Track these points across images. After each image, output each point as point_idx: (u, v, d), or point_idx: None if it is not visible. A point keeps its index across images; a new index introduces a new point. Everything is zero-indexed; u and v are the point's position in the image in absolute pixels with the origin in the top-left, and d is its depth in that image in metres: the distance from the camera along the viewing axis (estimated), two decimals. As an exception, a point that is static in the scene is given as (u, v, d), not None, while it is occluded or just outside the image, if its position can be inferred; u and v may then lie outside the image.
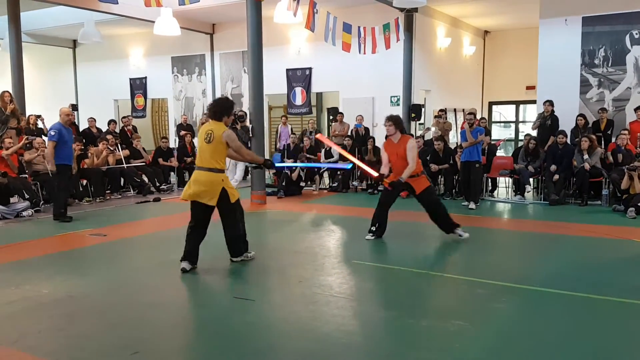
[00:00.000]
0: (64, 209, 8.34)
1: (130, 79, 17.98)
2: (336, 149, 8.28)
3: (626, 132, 9.89)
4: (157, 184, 11.62)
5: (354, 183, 11.92)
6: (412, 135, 6.55)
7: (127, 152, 11.59)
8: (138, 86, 17.92)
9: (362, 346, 3.70)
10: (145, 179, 11.55)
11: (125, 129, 12.78)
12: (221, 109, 5.41)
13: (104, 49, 17.22)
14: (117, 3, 9.51)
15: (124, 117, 13.48)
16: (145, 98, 17.93)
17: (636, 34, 11.02)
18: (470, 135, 9.23)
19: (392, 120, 6.76)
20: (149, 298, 4.71)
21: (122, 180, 11.41)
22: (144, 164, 11.80)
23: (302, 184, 11.55)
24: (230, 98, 6.70)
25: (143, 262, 6.05)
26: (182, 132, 13.59)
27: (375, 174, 6.95)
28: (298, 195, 11.08)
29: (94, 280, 5.24)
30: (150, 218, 8.93)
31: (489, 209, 9.57)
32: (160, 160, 12.16)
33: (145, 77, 17.76)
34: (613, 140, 10.38)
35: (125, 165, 11.17)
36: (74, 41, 18.56)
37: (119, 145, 11.52)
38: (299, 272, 5.50)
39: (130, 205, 10.14)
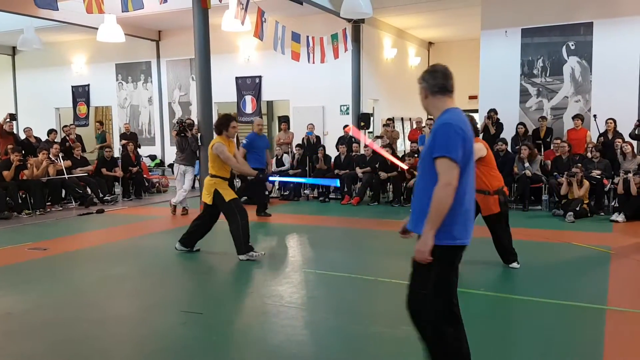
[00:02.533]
0: (265, 206, 9.57)
1: (73, 87, 17.44)
2: (380, 151, 8.50)
3: (558, 141, 10.32)
4: (101, 195, 11.27)
5: (305, 192, 11.93)
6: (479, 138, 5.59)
7: (68, 162, 11.19)
8: (80, 94, 17.40)
9: (311, 356, 3.70)
10: (88, 190, 11.18)
11: (67, 138, 12.35)
12: (218, 125, 6.35)
13: (45, 56, 16.64)
14: (57, 9, 9.21)
15: (65, 126, 13.03)
16: (88, 106, 17.42)
17: (572, 45, 11.57)
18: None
19: None
20: (92, 314, 4.55)
21: (63, 191, 11.00)
22: (86, 174, 11.42)
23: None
24: (230, 114, 7.26)
25: (86, 277, 5.84)
26: (123, 141, 13.23)
27: (405, 166, 6.70)
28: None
29: (34, 297, 5.03)
30: (93, 230, 8.65)
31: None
32: (104, 170, 11.80)
33: (88, 85, 17.28)
34: (552, 147, 10.83)
35: (66, 176, 10.78)
36: (14, 48, 17.86)
37: (60, 155, 11.10)
38: (249, 282, 5.45)
39: (71, 217, 9.79)
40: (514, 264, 5.73)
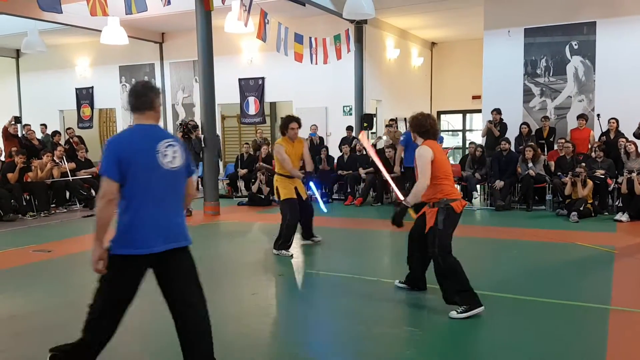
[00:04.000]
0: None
1: (77, 89, 17.48)
2: (375, 158, 8.47)
3: (563, 140, 10.29)
4: (105, 197, 11.27)
5: (308, 192, 11.91)
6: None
7: (73, 164, 11.22)
8: (84, 96, 17.45)
9: (315, 357, 3.70)
10: (93, 191, 11.21)
11: (71, 140, 12.39)
12: (281, 126, 6.72)
13: (48, 58, 16.67)
14: (61, 12, 9.26)
15: (68, 129, 13.08)
16: (92, 108, 17.47)
17: (575, 44, 11.54)
18: None
19: (410, 122, 4.74)
20: (96, 315, 4.56)
21: (67, 193, 11.03)
22: (90, 176, 11.45)
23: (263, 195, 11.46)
24: (293, 114, 7.44)
25: (90, 279, 5.82)
26: None
27: (401, 197, 5.29)
28: (267, 205, 10.92)
29: (39, 299, 5.05)
30: (99, 232, 8.67)
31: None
32: (109, 172, 11.80)
33: (92, 87, 17.32)
34: (555, 147, 10.81)
35: (70, 178, 10.81)
36: (17, 51, 17.93)
37: (64, 157, 11.14)
38: (252, 284, 5.46)
39: (76, 219, 9.83)
40: (453, 313, 4.33)
